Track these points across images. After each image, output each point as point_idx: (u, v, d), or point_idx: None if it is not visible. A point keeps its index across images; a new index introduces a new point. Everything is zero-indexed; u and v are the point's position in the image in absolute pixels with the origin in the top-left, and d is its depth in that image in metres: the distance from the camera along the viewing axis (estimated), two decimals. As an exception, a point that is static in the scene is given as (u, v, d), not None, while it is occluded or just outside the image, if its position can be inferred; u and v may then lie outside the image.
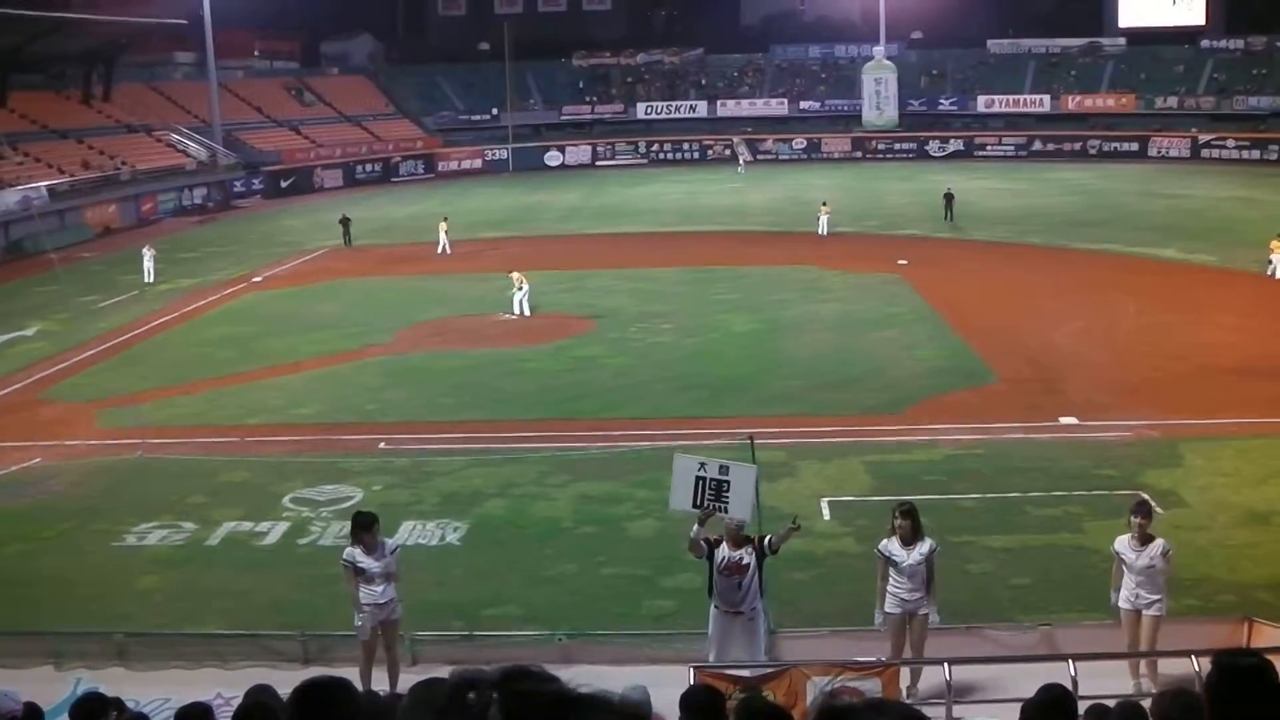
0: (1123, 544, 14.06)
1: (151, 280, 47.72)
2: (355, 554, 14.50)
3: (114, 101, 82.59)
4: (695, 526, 13.72)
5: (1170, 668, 12.98)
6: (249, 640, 15.99)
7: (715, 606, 13.90)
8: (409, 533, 20.75)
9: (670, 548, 18.43)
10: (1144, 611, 13.95)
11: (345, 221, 58.54)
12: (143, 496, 23.21)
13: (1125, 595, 14.06)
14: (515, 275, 39.38)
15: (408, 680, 14.11)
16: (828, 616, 16.35)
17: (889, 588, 14.15)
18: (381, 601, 14.44)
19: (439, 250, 53.97)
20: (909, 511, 14.25)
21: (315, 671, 13.26)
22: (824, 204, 57.68)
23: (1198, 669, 10.28)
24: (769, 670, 12.40)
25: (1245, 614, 15.14)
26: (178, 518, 21.91)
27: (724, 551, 13.74)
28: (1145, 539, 13.97)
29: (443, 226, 55.07)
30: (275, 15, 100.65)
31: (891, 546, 14.14)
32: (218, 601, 18.38)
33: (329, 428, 27.83)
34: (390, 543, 14.97)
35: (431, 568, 19.35)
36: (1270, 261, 41.06)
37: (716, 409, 27.97)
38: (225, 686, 13.25)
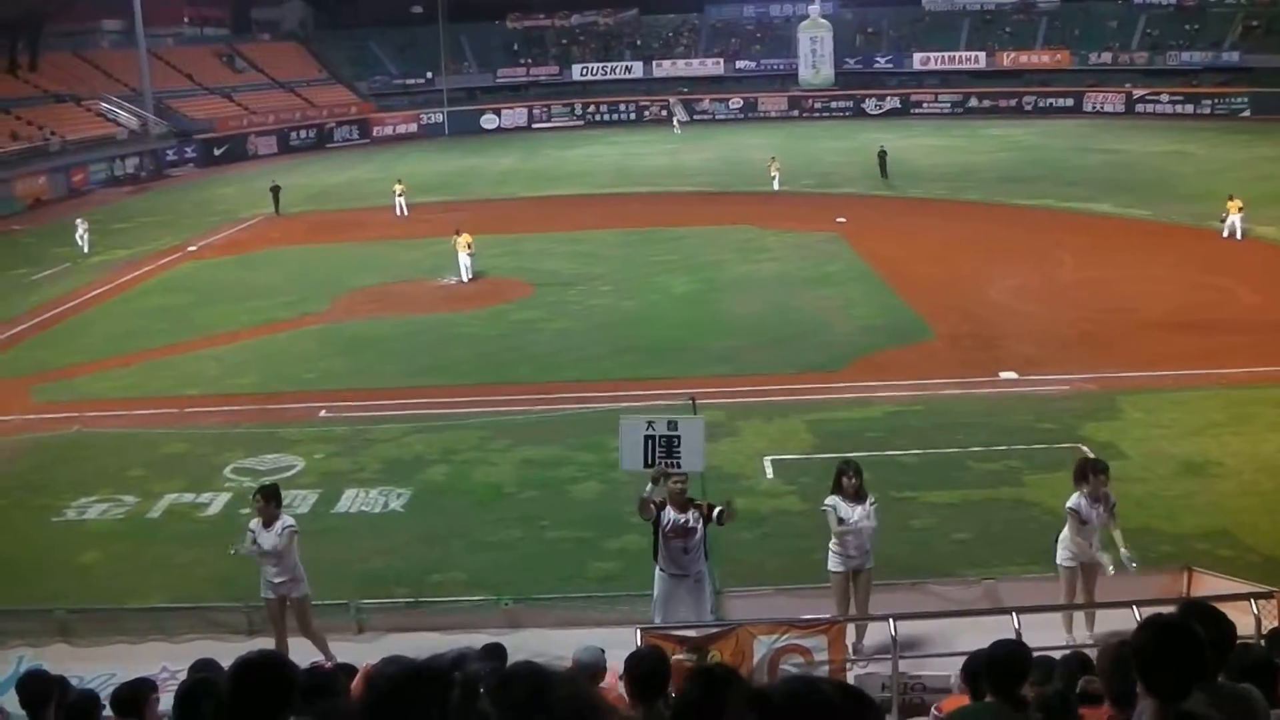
0: (1080, 502, 14.12)
1: (86, 251, 47.13)
2: (255, 526, 14.54)
3: (41, 71, 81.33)
4: (649, 485, 13.74)
5: (1111, 618, 13.13)
6: (193, 613, 15.92)
7: (661, 569, 13.93)
8: (351, 500, 20.69)
9: (614, 509, 18.50)
10: (1085, 563, 14.10)
11: (275, 190, 57.89)
12: (81, 471, 22.97)
13: (1069, 554, 14.17)
14: (464, 238, 39.07)
15: (352, 649, 14.09)
16: (772, 575, 16.43)
17: (835, 546, 14.23)
18: (276, 581, 14.44)
19: (397, 213, 53.69)
20: (860, 469, 14.35)
21: (260, 643, 13.26)
22: (773, 159, 57.84)
23: (1138, 618, 10.39)
24: (715, 630, 12.45)
25: (1185, 563, 15.34)
26: (117, 491, 21.71)
27: (669, 515, 13.75)
28: (1099, 497, 14.08)
29: (397, 189, 54.79)
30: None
31: (839, 503, 14.20)
32: (160, 574, 18.27)
33: (268, 397, 27.64)
34: (283, 521, 14.66)
35: (375, 535, 19.31)
36: (1225, 220, 40.53)
37: (657, 370, 27.99)
38: (170, 660, 13.20)
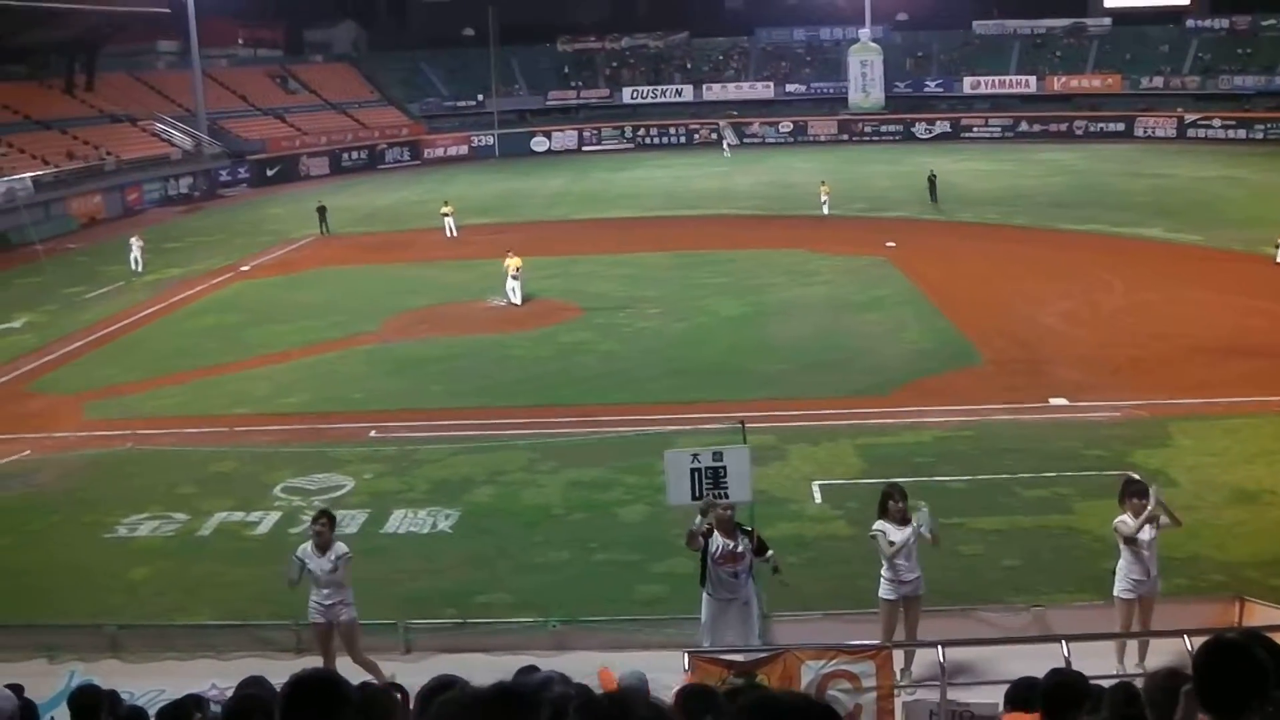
0: (1127, 524, 14.03)
1: (140, 270, 47.58)
2: (307, 551, 14.49)
3: (97, 91, 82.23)
4: (697, 518, 13.74)
5: (1162, 648, 13.02)
6: (242, 630, 16.02)
7: (709, 594, 13.93)
8: (399, 521, 20.76)
9: (661, 533, 18.48)
10: (1144, 595, 13.98)
11: (322, 210, 58.27)
12: (132, 488, 23.17)
13: (1128, 586, 14.06)
14: (513, 261, 39.04)
15: (399, 669, 14.13)
16: (820, 600, 16.35)
17: (887, 573, 14.18)
18: (326, 604, 14.43)
19: (446, 235, 53.99)
20: (905, 493, 14.32)
21: (308, 661, 13.33)
22: (823, 184, 57.72)
23: (1190, 648, 10.31)
24: (763, 654, 12.41)
25: (1236, 593, 15.20)
26: (168, 508, 21.88)
27: (718, 541, 13.75)
28: (1141, 513, 13.98)
29: (446, 210, 55.10)
30: (258, 3, 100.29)
31: (887, 527, 14.16)
32: (209, 592, 18.38)
33: (318, 416, 27.80)
34: (340, 547, 14.68)
35: (423, 556, 19.37)
36: (1279, 246, 39.72)
37: (705, 393, 27.97)
38: (219, 677, 13.26)
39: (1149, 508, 13.85)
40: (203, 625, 16.61)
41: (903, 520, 14.15)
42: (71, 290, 44.45)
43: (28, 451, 26.00)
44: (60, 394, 30.91)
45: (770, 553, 14.06)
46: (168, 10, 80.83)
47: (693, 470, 13.98)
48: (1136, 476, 16.29)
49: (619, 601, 17.14)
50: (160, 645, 15.77)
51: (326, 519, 14.70)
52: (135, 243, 48.94)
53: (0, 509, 22.56)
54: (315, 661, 13.63)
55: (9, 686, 9.88)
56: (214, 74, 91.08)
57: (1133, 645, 13.86)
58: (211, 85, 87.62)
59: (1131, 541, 13.94)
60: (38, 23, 72.97)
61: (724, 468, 13.93)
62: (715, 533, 13.77)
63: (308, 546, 14.48)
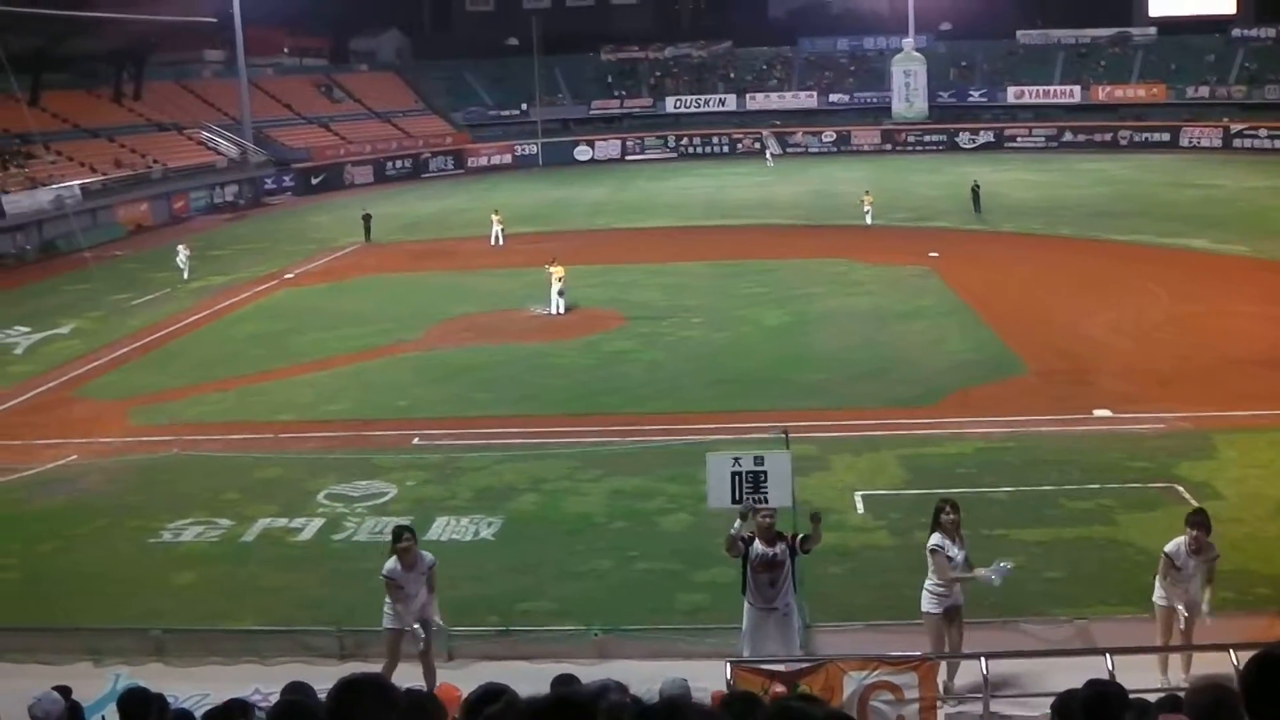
0: (1177, 549, 13.98)
1: (186, 277, 47.97)
2: (395, 569, 14.50)
3: (145, 100, 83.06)
4: (737, 523, 13.75)
5: (1206, 662, 12.94)
6: (285, 636, 16.12)
7: (750, 603, 13.92)
8: (442, 528, 20.81)
9: (703, 542, 18.47)
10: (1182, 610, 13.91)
11: (367, 218, 58.75)
12: (177, 493, 23.33)
13: (1165, 594, 14.01)
14: (556, 270, 39.03)
15: (443, 676, 14.19)
16: (862, 610, 16.34)
17: (931, 586, 14.12)
18: (415, 609, 14.45)
19: (492, 242, 54.19)
20: (958, 505, 14.25)
21: (352, 667, 13.39)
22: (866, 193, 57.51)
23: (1236, 663, 10.24)
24: (805, 665, 12.40)
25: (1282, 606, 15.12)
26: (212, 514, 22.02)
27: (757, 548, 13.75)
28: (1199, 548, 13.90)
29: (495, 218, 55.31)
30: (304, 12, 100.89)
31: (946, 544, 14.09)
32: (253, 597, 18.48)
33: (361, 424, 27.92)
34: (427, 557, 14.83)
35: (465, 563, 19.40)
36: None
37: (747, 403, 27.95)
38: (263, 682, 13.37)
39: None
40: (247, 630, 16.71)
41: (956, 532, 14.08)
42: (118, 297, 44.78)
43: (74, 456, 26.21)
44: (106, 399, 31.16)
45: (800, 536, 13.91)
46: (215, 20, 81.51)
47: (733, 474, 14.02)
48: (1198, 505, 16.18)
49: (661, 610, 17.16)
50: (204, 650, 15.90)
51: (410, 535, 14.75)
52: (182, 249, 49.45)
53: (47, 513, 22.74)
54: (359, 667, 13.69)
55: (56, 689, 9.99)
56: (260, 83, 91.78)
57: (1176, 656, 13.78)
58: (257, 94, 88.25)
59: (1175, 568, 13.90)
60: (87, 32, 73.76)
61: (765, 472, 13.97)
62: (755, 540, 13.77)
63: (395, 565, 14.46)
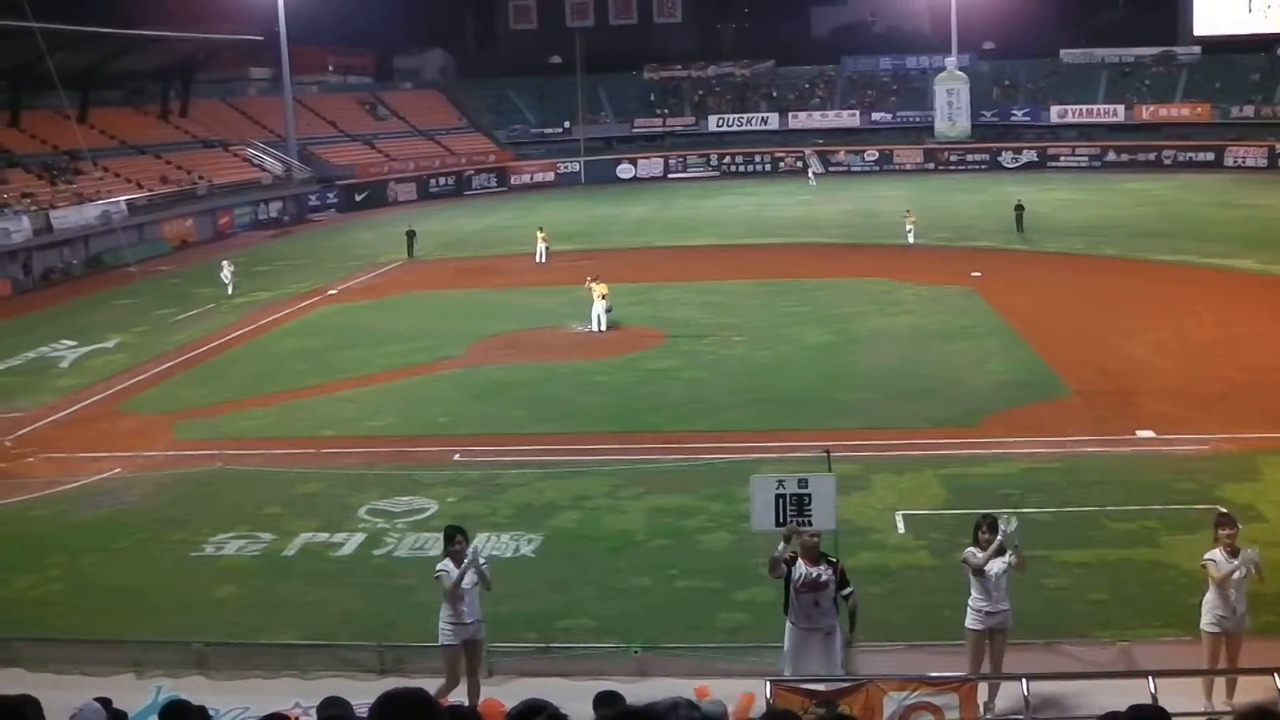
0: (1214, 555, 13.88)
1: (230, 293, 48.28)
2: (447, 569, 14.54)
3: (191, 117, 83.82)
4: (780, 545, 13.73)
5: (1251, 686, 12.83)
6: (326, 650, 16.19)
7: (792, 623, 13.88)
8: (483, 544, 20.82)
9: (743, 561, 18.45)
10: (1229, 631, 13.79)
11: (410, 235, 59.25)
12: (219, 507, 23.47)
13: (1212, 620, 13.88)
14: (599, 288, 39.00)
15: (483, 692, 14.20)
16: (902, 630, 16.26)
17: (975, 603, 14.07)
18: (466, 621, 14.46)
19: (537, 259, 54.37)
20: (995, 524, 14.17)
21: (392, 682, 13.39)
22: (908, 212, 57.44)
23: (1280, 686, 10.18)
24: (845, 685, 12.36)
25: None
26: (254, 528, 22.13)
27: (801, 569, 13.71)
28: (1235, 550, 13.81)
29: (540, 235, 55.53)
30: (349, 31, 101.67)
31: (977, 551, 14.03)
32: (294, 612, 18.56)
33: (403, 440, 28.00)
34: (470, 551, 14.86)
35: (506, 579, 19.35)
36: None
37: (789, 422, 27.91)
38: (303, 696, 13.44)
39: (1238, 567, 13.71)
40: (287, 645, 16.78)
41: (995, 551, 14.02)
42: (163, 311, 45.09)
43: (118, 470, 26.41)
44: (151, 413, 31.37)
45: (850, 591, 13.96)
46: (261, 38, 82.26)
47: (778, 496, 13.97)
48: (1225, 510, 16.07)
49: (701, 629, 17.14)
50: (245, 663, 15.96)
51: (462, 535, 14.85)
52: (227, 265, 49.83)
53: (90, 526, 22.91)
54: (398, 682, 13.68)
55: (98, 700, 10.04)
56: (304, 100, 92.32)
57: (1220, 682, 13.67)
58: (302, 111, 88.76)
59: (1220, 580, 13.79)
60: (135, 50, 74.48)
61: (809, 495, 13.90)
62: (799, 560, 13.74)
63: (448, 564, 14.52)
